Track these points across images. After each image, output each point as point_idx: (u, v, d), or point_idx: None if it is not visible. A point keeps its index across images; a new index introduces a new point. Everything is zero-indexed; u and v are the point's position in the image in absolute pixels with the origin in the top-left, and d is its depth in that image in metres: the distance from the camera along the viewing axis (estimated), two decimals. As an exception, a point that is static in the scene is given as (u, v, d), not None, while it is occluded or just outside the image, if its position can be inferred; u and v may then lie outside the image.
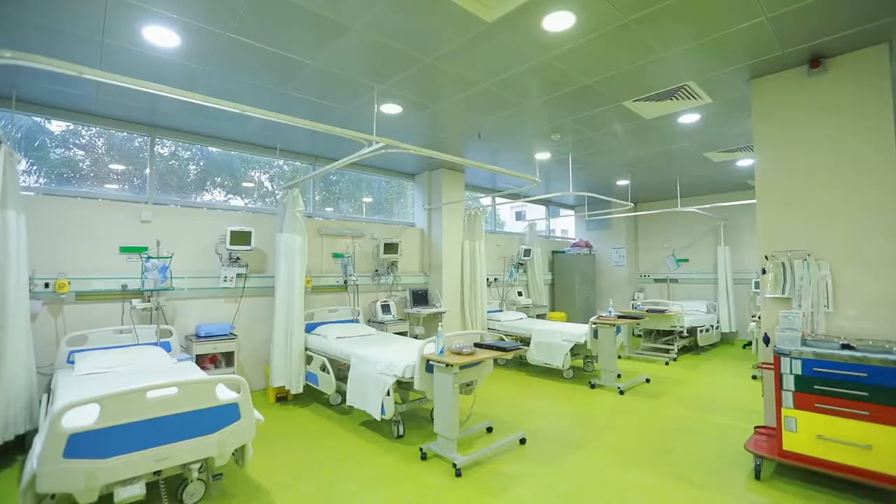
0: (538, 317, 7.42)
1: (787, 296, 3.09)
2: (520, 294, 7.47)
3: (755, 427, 3.18)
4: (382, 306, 5.56)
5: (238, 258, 4.57)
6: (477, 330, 3.69)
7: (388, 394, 3.42)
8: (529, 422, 3.95)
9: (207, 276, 4.44)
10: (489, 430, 3.73)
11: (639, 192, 7.87)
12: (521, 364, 6.01)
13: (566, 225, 9.96)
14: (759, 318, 5.51)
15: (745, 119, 4.26)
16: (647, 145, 5.13)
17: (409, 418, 4.02)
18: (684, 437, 3.57)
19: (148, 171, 4.44)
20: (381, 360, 3.58)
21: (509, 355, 3.43)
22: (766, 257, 3.23)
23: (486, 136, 4.77)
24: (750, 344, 7.37)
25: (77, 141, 4.24)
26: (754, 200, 6.21)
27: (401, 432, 3.60)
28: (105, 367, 3.16)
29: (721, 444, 3.38)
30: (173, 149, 4.71)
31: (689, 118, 4.25)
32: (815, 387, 2.62)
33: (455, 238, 6.33)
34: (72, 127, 4.18)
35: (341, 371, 4.19)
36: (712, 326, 7.24)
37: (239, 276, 4.59)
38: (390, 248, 5.70)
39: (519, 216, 12.77)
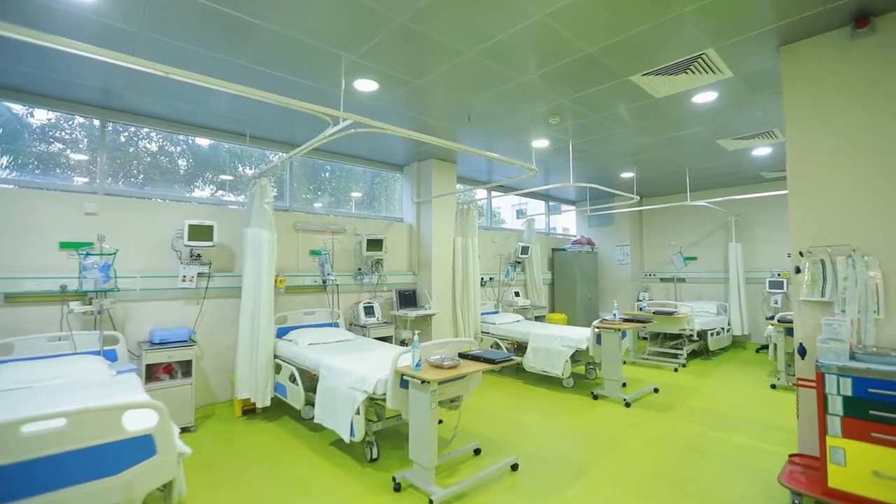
0: (537, 319, 6.93)
1: (828, 299, 2.60)
2: (517, 295, 6.99)
3: (790, 455, 2.69)
4: (365, 308, 5.09)
5: (199, 255, 4.09)
6: (465, 338, 3.20)
7: (359, 412, 2.94)
8: (523, 441, 3.47)
9: (164, 275, 3.97)
10: (477, 452, 3.25)
11: (644, 185, 7.38)
12: (517, 370, 5.53)
13: (567, 223, 9.46)
14: (779, 321, 5.06)
15: (768, 98, 3.77)
16: (656, 131, 4.64)
17: (386, 437, 3.54)
18: (702, 461, 3.08)
19: (99, 158, 3.97)
20: (353, 372, 3.11)
21: (499, 367, 2.95)
22: (801, 254, 2.74)
23: (476, 119, 4.29)
24: (765, 348, 6.90)
25: (20, 125, 3.77)
26: (770, 193, 5.79)
27: (374, 455, 3.12)
28: (22, 381, 2.69)
29: (747, 473, 2.90)
30: (159, 141, 4.23)
31: (705, 97, 3.76)
32: (872, 412, 2.13)
33: (446, 234, 5.85)
34: (19, 109, 3.71)
35: (314, 382, 3.72)
36: (723, 329, 6.75)
37: (201, 275, 4.12)
38: (374, 244, 5.22)
39: (520, 214, 12.25)
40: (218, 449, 3.35)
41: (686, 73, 3.32)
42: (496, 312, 6.50)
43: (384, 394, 2.84)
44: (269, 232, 4.07)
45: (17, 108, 3.73)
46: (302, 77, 3.33)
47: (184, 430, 3.65)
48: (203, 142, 4.62)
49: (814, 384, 2.34)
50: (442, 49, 2.95)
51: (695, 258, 7.99)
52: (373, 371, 3.00)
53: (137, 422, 1.92)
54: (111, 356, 3.48)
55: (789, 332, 4.97)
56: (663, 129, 4.60)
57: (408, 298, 5.54)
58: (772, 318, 6.88)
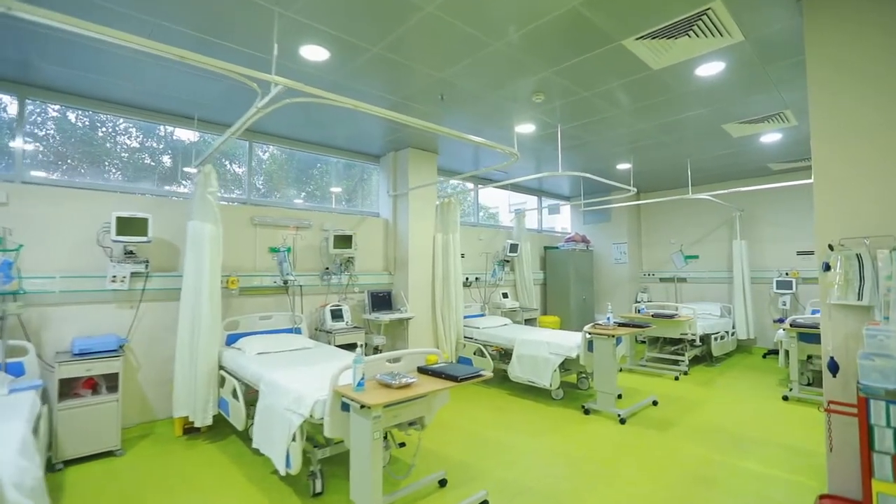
0: (527, 322, 6.43)
1: (867, 303, 2.10)
2: (505, 296, 6.48)
3: (819, 497, 2.18)
4: (332, 312, 4.58)
5: (132, 252, 3.59)
6: (427, 348, 2.69)
7: (295, 438, 2.44)
8: (500, 468, 2.97)
9: (89, 274, 3.46)
10: (442, 483, 2.75)
11: (642, 178, 6.87)
12: (503, 378, 5.02)
13: (567, 223, 8.93)
14: (792, 325, 4.55)
15: (783, 70, 3.27)
16: (654, 113, 4.14)
17: (341, 462, 3.03)
18: (709, 495, 2.58)
19: (14, 141, 3.46)
20: (290, 390, 2.60)
21: (468, 383, 2.45)
22: (831, 247, 2.24)
23: (452, 99, 3.79)
24: (773, 353, 6.40)
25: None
26: (779, 185, 5.27)
27: (318, 489, 2.62)
28: None
29: (763, 512, 2.40)
30: (101, 125, 3.73)
31: (710, 69, 3.26)
32: (936, 453, 1.64)
33: (425, 230, 5.35)
34: None
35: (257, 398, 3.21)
36: (727, 333, 6.25)
37: (136, 275, 3.61)
38: (342, 241, 4.72)
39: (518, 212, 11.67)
40: (138, 478, 2.85)
41: (688, 35, 2.81)
42: (482, 315, 5.99)
43: (323, 417, 2.34)
44: (213, 225, 3.57)
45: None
46: (233, 40, 2.82)
47: (106, 454, 3.15)
48: (185, 132, 4.11)
49: (853, 411, 1.85)
50: (394, 3, 2.45)
51: (696, 257, 7.49)
52: (313, 389, 2.50)
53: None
54: (16, 370, 2.97)
55: (803, 337, 4.47)
56: (662, 111, 4.10)
57: (382, 301, 5.03)
58: (781, 321, 6.38)
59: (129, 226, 3.41)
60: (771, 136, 4.85)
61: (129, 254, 3.58)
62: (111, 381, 3.25)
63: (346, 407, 2.29)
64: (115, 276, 3.48)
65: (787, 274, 6.49)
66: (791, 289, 6.32)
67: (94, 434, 3.10)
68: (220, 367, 3.58)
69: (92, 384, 3.22)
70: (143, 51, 2.00)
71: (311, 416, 2.36)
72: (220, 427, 3.67)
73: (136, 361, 3.67)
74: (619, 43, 2.89)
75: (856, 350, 2.12)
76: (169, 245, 3.87)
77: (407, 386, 2.25)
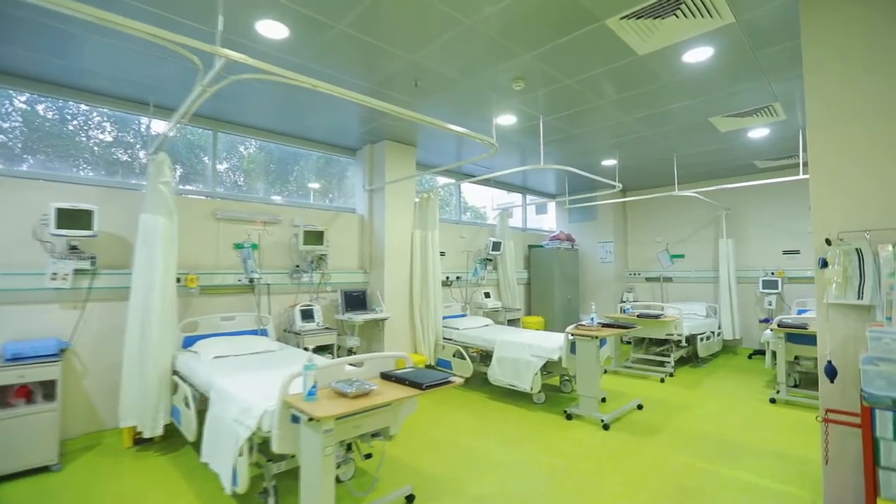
0: (510, 323, 6.23)
1: (867, 302, 1.93)
2: (487, 296, 6.27)
3: (817, 515, 2.00)
4: (303, 312, 4.32)
5: (76, 247, 3.29)
6: (394, 352, 2.46)
7: (243, 453, 2.19)
8: (474, 481, 2.74)
9: (26, 272, 3.15)
10: (409, 499, 2.51)
11: (628, 175, 6.72)
12: (484, 381, 4.80)
13: (551, 223, 8.75)
14: (780, 325, 4.41)
15: (773, 57, 3.10)
16: (640, 104, 3.96)
17: (295, 478, 2.77)
18: (697, 511, 2.39)
19: (-56, 124, 3.15)
20: (239, 399, 2.35)
21: (433, 390, 2.22)
22: (828, 242, 2.06)
23: (427, 85, 3.56)
24: (759, 353, 6.30)
25: None
26: (768, 181, 5.14)
27: (271, 509, 2.37)
28: None
29: (755, 529, 2.21)
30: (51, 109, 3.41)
31: (698, 54, 3.08)
32: (952, 471, 1.45)
33: (403, 226, 5.11)
34: None
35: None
36: (713, 333, 6.12)
37: (80, 272, 3.31)
38: (313, 237, 4.45)
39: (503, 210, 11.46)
40: (73, 496, 2.56)
41: (675, 15, 2.63)
42: (463, 316, 5.77)
43: (271, 431, 2.09)
44: (167, 219, 3.29)
45: None
46: (176, 12, 2.56)
47: (41, 469, 2.86)
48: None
49: (855, 421, 1.67)
50: (357, -31, 2.22)
51: (682, 256, 7.37)
52: (263, 398, 2.25)
53: None
54: (-65, 377, 2.66)
55: (791, 338, 4.34)
56: (648, 102, 3.92)
57: (356, 300, 4.78)
58: (766, 321, 6.28)
59: (71, 218, 3.11)
60: (758, 132, 4.72)
61: (73, 249, 3.28)
62: (48, 389, 2.95)
63: (297, 419, 2.04)
64: (55, 274, 3.18)
65: (772, 273, 6.39)
66: (777, 288, 6.22)
67: (27, 447, 2.80)
68: (175, 373, 3.30)
69: (26, 392, 2.92)
70: (79, 18, 1.73)
71: (259, 427, 2.12)
72: (175, 437, 3.39)
73: (82, 367, 3.37)
74: (602, 23, 2.69)
75: (856, 353, 1.95)
76: (121, 240, 3.58)
77: (365, 394, 2.02)
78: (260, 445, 2.29)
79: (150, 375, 3.13)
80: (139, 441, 3.31)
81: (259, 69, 2.10)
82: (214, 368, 2.97)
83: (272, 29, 2.72)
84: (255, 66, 2.07)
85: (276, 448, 2.02)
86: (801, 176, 4.49)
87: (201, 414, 2.87)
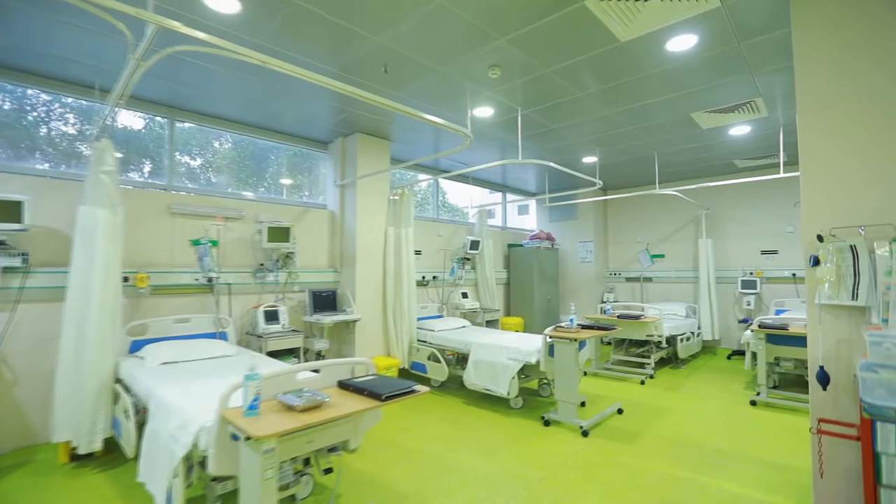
0: (488, 324, 6.05)
1: (862, 303, 1.78)
2: (464, 296, 6.08)
3: (809, 534, 1.86)
4: (267, 313, 4.05)
5: (3, 242, 2.96)
6: (357, 358, 2.22)
7: (178, 474, 1.93)
8: (444, 496, 2.53)
9: (-55, 269, 2.83)
10: (371, 519, 2.30)
11: (609, 173, 6.61)
12: (462, 385, 4.59)
13: (532, 223, 8.60)
14: (760, 326, 4.32)
15: (758, 48, 2.98)
16: (621, 96, 3.82)
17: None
18: (680, 527, 2.23)
19: None
20: (178, 411, 2.09)
21: (393, 402, 2.00)
22: (820, 238, 1.92)
23: (397, 71, 3.34)
24: (738, 353, 6.26)
25: None
26: (748, 179, 5.04)
27: (213, 534, 2.12)
28: None
29: (741, 547, 2.06)
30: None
31: (682, 42, 2.93)
32: (964, 492, 1.31)
33: (375, 223, 4.88)
34: None
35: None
36: (693, 334, 6.04)
37: (9, 270, 2.99)
38: (278, 233, 4.18)
39: (491, 215, 11.20)
40: (-13, 526, 2.26)
41: (659, -2, 2.47)
42: (439, 317, 5.56)
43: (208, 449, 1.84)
44: (109, 211, 2.99)
45: None
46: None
47: (-44, 492, 2.54)
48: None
49: (852, 433, 1.51)
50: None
51: (662, 255, 7.31)
52: (204, 411, 2.00)
53: None
54: None
55: (771, 339, 4.25)
56: (630, 95, 3.78)
57: (325, 301, 4.52)
58: (745, 321, 6.26)
59: (-4, 210, 2.80)
60: (739, 129, 4.63)
61: (0, 244, 2.96)
62: (-32, 401, 2.64)
63: (237, 436, 1.80)
64: (-21, 272, 2.86)
65: (751, 273, 6.36)
66: (755, 288, 6.19)
67: (-61, 467, 2.48)
68: (118, 381, 3.01)
69: (-59, 405, 2.59)
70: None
71: (195, 445, 1.87)
72: (118, 452, 3.09)
73: (12, 375, 3.05)
74: (581, 4, 2.52)
75: (850, 358, 1.81)
76: (59, 235, 3.26)
77: (315, 407, 1.79)
78: (201, 463, 2.04)
79: (88, 384, 2.83)
80: (76, 457, 3.00)
81: (197, 40, 1.85)
82: (159, 376, 2.69)
83: (220, 2, 2.46)
84: (191, 36, 1.82)
85: (212, 469, 1.77)
86: (781, 175, 4.43)
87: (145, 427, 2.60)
